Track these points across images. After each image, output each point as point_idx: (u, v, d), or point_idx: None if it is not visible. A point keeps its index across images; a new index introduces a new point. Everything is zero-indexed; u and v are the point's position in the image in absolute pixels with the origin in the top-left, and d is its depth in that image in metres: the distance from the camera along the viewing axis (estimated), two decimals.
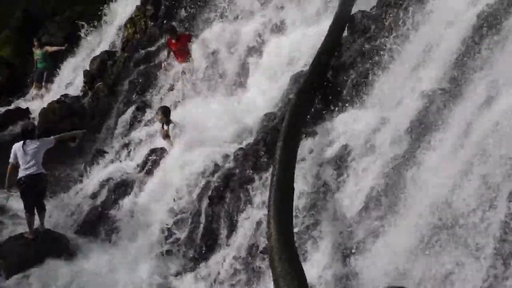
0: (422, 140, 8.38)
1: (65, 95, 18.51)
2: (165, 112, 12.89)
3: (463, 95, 8.05)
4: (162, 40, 16.91)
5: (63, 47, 20.60)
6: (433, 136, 8.17)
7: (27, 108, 19.55)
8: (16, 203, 12.21)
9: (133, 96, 15.98)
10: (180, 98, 14.55)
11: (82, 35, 20.77)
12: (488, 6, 8.65)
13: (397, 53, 9.92)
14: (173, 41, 15.13)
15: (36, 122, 17.87)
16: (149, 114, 14.78)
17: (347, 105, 10.35)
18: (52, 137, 11.72)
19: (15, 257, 10.92)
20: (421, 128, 8.51)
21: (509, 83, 7.34)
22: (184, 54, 15.12)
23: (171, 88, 15.26)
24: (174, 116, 13.03)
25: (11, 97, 20.85)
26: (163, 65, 15.37)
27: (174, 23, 15.89)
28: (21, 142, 11.34)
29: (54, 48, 20.54)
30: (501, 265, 6.35)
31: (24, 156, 11.18)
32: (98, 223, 11.94)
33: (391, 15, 10.74)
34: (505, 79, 7.45)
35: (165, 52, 16.11)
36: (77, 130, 11.99)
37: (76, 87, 19.06)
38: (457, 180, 7.22)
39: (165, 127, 12.65)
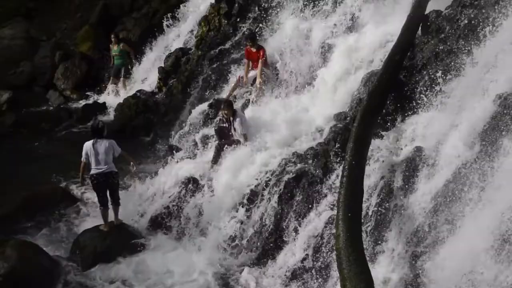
0: (495, 145, 8.24)
1: (140, 91, 18.95)
2: (229, 106, 13.05)
3: None
4: (236, 38, 17.08)
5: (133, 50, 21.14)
6: (507, 140, 8.02)
7: (104, 102, 20.11)
8: (92, 195, 12.67)
9: (206, 93, 16.22)
10: (253, 97, 14.65)
11: (159, 32, 21.17)
12: None
13: (471, 55, 9.74)
14: (253, 50, 15.10)
15: (112, 116, 18.50)
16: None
17: (419, 107, 10.24)
18: (120, 149, 11.93)
19: (91, 249, 11.33)
20: (495, 132, 8.37)
21: None
22: (260, 62, 15.00)
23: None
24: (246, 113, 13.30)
25: (89, 92, 21.48)
26: (239, 78, 15.33)
27: (254, 32, 15.86)
28: (92, 140, 11.67)
29: (128, 48, 21.07)
30: None
31: (95, 154, 11.51)
32: (169, 219, 12.22)
33: (466, 16, 10.55)
34: None
35: (238, 52, 16.28)
36: (134, 162, 12.29)
37: (151, 83, 19.45)
38: None
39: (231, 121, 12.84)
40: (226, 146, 12.85)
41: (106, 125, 12.19)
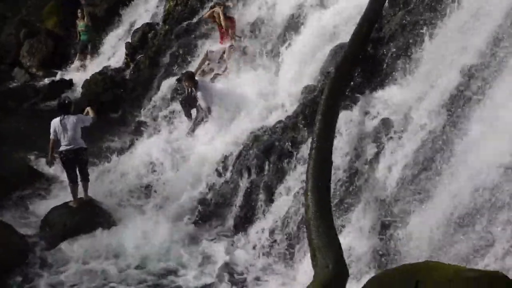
0: (461, 116, 8.36)
1: (107, 67, 18.75)
2: (190, 77, 13.18)
3: (503, 70, 7.98)
4: (203, 12, 16.96)
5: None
6: (472, 111, 8.14)
7: (71, 79, 19.85)
8: (61, 172, 12.56)
9: (174, 68, 16.12)
10: (221, 71, 14.63)
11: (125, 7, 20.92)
12: None
13: (437, 27, 9.82)
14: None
15: (79, 93, 18.29)
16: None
17: (386, 79, 10.31)
18: (89, 116, 11.81)
19: (60, 226, 11.22)
20: (460, 103, 8.48)
21: None
22: (228, 36, 15.04)
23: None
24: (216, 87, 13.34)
25: (55, 69, 21.19)
26: (207, 52, 15.25)
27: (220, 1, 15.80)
28: (59, 117, 11.52)
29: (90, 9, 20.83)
30: None
31: (63, 131, 11.37)
32: (140, 194, 12.20)
33: None
34: None
35: (205, 26, 16.20)
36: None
37: (118, 59, 19.24)
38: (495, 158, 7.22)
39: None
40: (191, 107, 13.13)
41: (73, 102, 12.05)
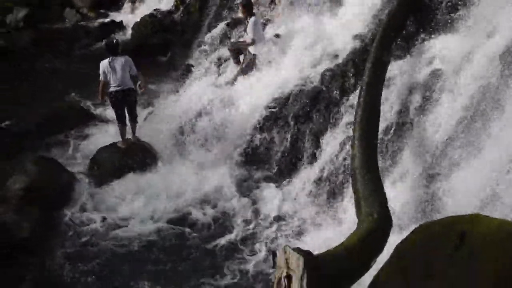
0: None
1: (157, 10, 18.77)
2: (246, 5, 13.05)
3: None
4: None
5: None
6: None
7: (121, 21, 19.98)
8: (110, 113, 12.74)
9: (224, 12, 16.02)
10: (272, 16, 14.45)
11: None
12: None
13: None
14: None
15: (129, 36, 18.40)
16: (238, 31, 14.82)
17: (440, 28, 10.06)
18: (135, 69, 11.78)
19: (109, 165, 11.47)
20: None
21: None
22: None
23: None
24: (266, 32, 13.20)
25: (106, 10, 21.30)
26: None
27: None
28: (108, 59, 11.60)
29: None
30: None
31: (112, 72, 11.47)
32: (188, 136, 12.26)
33: None
34: None
35: None
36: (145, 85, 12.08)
37: (168, 2, 19.24)
38: None
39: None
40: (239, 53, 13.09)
41: (123, 43, 12.11)
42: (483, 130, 8.14)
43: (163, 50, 17.60)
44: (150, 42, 17.75)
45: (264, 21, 14.28)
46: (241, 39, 13.71)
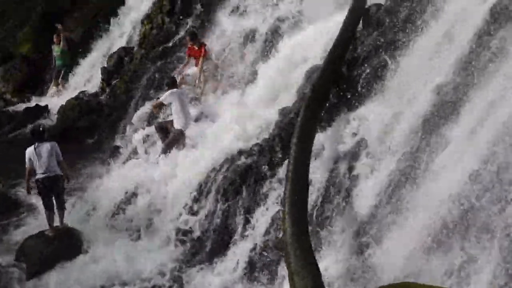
0: (437, 134, 8.37)
1: (83, 92, 18.66)
2: (173, 83, 13.60)
3: (476, 88, 8.02)
4: (179, 36, 16.99)
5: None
6: (447, 129, 8.16)
7: (46, 105, 19.71)
8: (37, 200, 12.40)
9: (150, 92, 16.07)
10: (197, 94, 14.63)
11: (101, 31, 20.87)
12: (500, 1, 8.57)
13: (411, 47, 9.88)
14: (195, 47, 15.06)
15: (55, 119, 18.15)
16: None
17: (361, 99, 10.33)
18: (61, 155, 11.62)
19: (37, 255, 11.06)
20: (435, 121, 8.50)
21: None
22: (202, 60, 14.97)
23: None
24: (191, 110, 13.34)
25: (30, 94, 21.04)
26: (180, 77, 15.23)
27: (194, 29, 15.93)
28: (33, 145, 11.41)
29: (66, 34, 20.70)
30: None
31: (38, 159, 11.29)
32: (118, 220, 12.06)
33: (406, 8, 10.68)
34: None
35: (182, 50, 16.17)
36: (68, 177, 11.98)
37: (94, 84, 19.20)
38: (469, 175, 7.22)
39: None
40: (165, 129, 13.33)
41: (49, 128, 11.97)
42: (409, 196, 8.28)
43: (91, 133, 17.43)
44: (77, 125, 17.56)
45: (191, 99, 14.39)
46: (168, 118, 13.74)
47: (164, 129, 13.44)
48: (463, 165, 7.39)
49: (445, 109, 8.43)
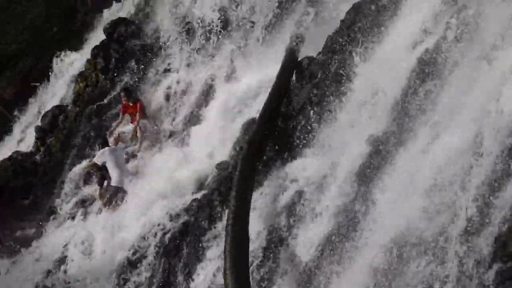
0: (372, 183, 8.52)
1: (17, 152, 18.24)
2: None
3: (407, 138, 8.24)
4: (114, 93, 16.87)
5: None
6: (381, 179, 8.32)
7: None
8: None
9: (86, 151, 15.84)
10: (136, 151, 14.53)
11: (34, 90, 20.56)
12: (427, 51, 8.87)
13: (344, 98, 10.08)
14: (130, 104, 15.04)
15: None
16: None
17: (297, 151, 10.44)
18: None
19: None
20: (370, 171, 8.66)
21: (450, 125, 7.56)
22: (139, 117, 14.95)
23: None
24: (129, 166, 13.16)
25: None
26: (116, 135, 15.13)
27: (128, 86, 15.90)
28: None
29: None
30: None
31: None
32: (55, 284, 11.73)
33: (336, 61, 10.91)
34: (446, 121, 7.67)
35: (117, 107, 16.07)
36: None
37: (28, 144, 18.79)
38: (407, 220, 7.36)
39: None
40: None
41: None
42: (349, 246, 8.35)
43: (25, 193, 16.96)
44: (11, 186, 17.09)
45: (126, 156, 14.28)
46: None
47: (103, 178, 13.43)
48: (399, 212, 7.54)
49: (377, 160, 8.61)
